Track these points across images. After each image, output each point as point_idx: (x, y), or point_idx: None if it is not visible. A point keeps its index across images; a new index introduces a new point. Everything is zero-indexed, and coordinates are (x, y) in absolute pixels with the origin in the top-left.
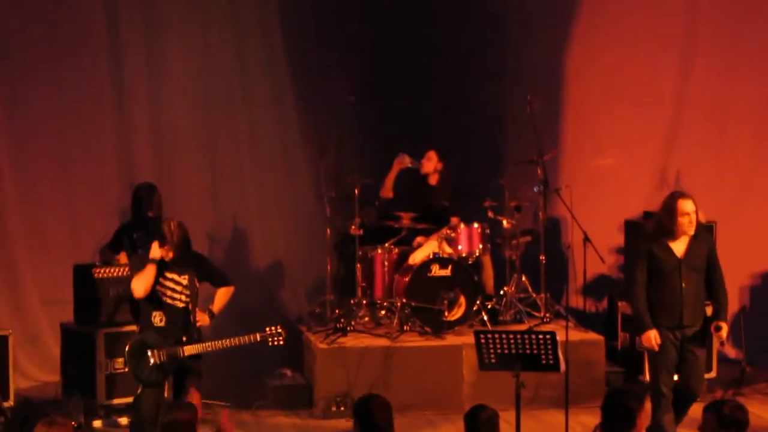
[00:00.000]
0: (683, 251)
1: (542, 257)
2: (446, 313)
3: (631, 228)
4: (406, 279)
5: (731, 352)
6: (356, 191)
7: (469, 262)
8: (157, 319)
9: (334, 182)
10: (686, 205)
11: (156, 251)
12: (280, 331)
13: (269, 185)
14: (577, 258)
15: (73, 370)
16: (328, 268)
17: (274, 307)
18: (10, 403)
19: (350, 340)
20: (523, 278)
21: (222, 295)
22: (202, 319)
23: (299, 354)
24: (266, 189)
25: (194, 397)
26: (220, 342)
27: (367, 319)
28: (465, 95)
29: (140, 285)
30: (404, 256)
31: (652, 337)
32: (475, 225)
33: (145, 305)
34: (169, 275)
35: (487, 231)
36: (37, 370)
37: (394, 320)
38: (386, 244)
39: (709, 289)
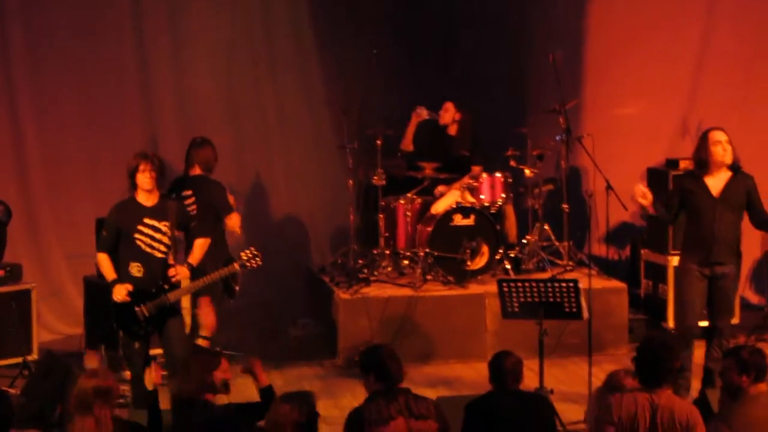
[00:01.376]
0: (719, 190)
1: (565, 206)
2: (469, 263)
3: (653, 176)
4: (429, 229)
5: (754, 298)
6: (378, 142)
7: (492, 212)
8: (135, 270)
9: (357, 134)
10: (717, 134)
11: (120, 293)
12: (255, 253)
13: (293, 139)
14: (600, 206)
15: (96, 323)
16: (351, 218)
17: (297, 258)
18: (34, 356)
19: (373, 290)
20: (546, 227)
21: (199, 247)
22: (182, 272)
23: (322, 304)
24: (289, 142)
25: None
26: (201, 280)
27: (390, 269)
28: (487, 45)
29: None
30: (427, 206)
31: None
32: (498, 174)
33: (123, 255)
34: (148, 221)
35: (510, 180)
36: (60, 323)
37: (417, 270)
38: (408, 194)
39: (763, 223)
